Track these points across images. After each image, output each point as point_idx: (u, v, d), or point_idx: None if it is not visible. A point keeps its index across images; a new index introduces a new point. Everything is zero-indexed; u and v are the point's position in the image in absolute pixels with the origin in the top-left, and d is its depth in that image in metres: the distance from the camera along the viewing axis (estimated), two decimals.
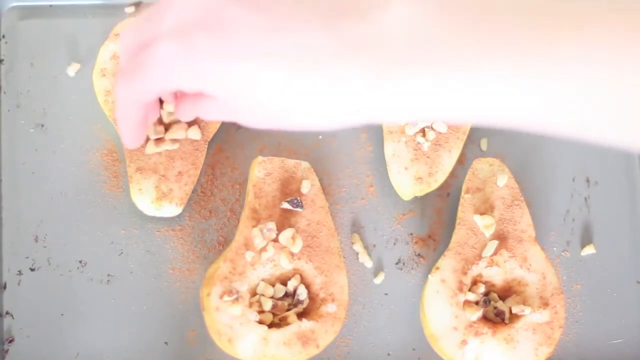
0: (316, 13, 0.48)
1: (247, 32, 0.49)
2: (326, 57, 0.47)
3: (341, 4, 0.49)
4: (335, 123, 0.51)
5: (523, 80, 0.46)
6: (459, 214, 0.72)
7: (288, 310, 0.69)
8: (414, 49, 0.46)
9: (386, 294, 0.73)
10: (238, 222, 0.71)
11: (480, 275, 0.70)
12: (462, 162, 0.76)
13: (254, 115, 0.52)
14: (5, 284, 0.72)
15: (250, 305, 0.67)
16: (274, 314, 0.68)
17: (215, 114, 0.55)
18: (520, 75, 0.46)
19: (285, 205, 0.70)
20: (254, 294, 0.68)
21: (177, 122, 0.72)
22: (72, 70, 0.76)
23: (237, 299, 0.66)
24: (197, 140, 0.72)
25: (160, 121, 0.72)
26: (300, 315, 0.68)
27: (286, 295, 0.69)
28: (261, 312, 0.67)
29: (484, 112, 0.48)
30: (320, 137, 0.76)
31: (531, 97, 0.46)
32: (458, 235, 0.71)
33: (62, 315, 0.71)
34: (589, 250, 0.75)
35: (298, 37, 0.48)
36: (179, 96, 0.60)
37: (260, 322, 0.67)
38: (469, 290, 0.70)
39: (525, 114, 0.47)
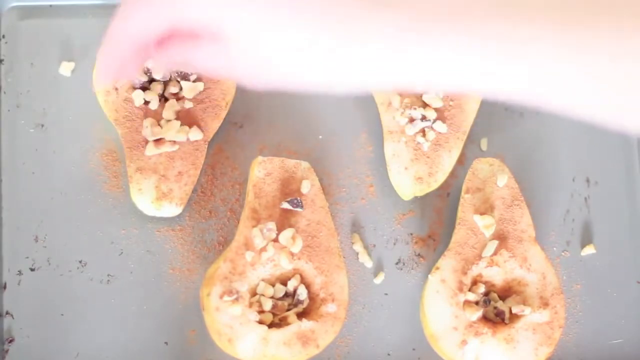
0: None
1: None
2: (350, 13, 0.46)
3: None
4: (346, 86, 0.49)
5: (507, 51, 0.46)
6: (459, 214, 0.72)
7: (288, 310, 0.69)
8: (436, 13, 0.46)
9: (386, 294, 0.73)
10: (238, 222, 0.71)
11: (480, 275, 0.70)
12: (462, 162, 0.76)
13: (260, 70, 0.49)
14: (5, 284, 0.72)
15: (250, 305, 0.67)
16: (274, 314, 0.68)
17: (210, 62, 0.51)
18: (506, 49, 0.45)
19: (285, 205, 0.70)
20: (254, 294, 0.68)
21: (176, 123, 0.72)
22: (71, 70, 0.76)
23: (237, 299, 0.66)
24: (197, 140, 0.72)
25: (158, 123, 0.72)
26: (300, 315, 0.68)
27: (286, 295, 0.69)
28: (261, 312, 0.67)
29: (488, 82, 0.47)
30: (321, 137, 0.76)
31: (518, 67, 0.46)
32: (458, 235, 0.71)
33: (62, 315, 0.71)
34: (589, 250, 0.75)
35: None
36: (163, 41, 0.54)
37: (260, 322, 0.67)
38: (469, 290, 0.70)
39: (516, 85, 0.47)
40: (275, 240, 0.68)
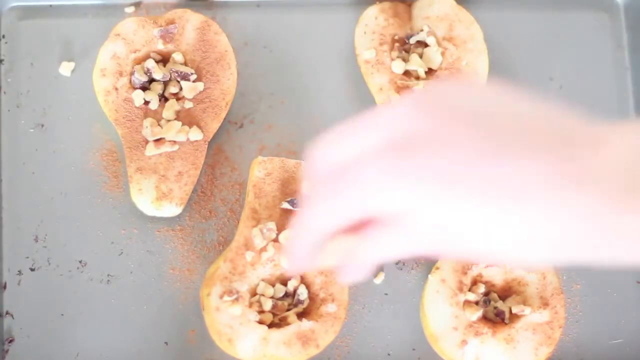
0: (541, 143, 0.45)
1: (472, 156, 0.44)
2: (552, 186, 0.44)
3: (565, 134, 0.45)
4: (539, 260, 0.47)
5: None
6: None
7: (288, 310, 0.69)
8: None
9: (386, 294, 0.73)
10: (238, 222, 0.71)
11: (480, 275, 0.70)
12: None
13: (459, 246, 0.47)
14: (5, 284, 0.72)
15: (250, 305, 0.67)
16: (274, 314, 0.68)
17: (400, 247, 0.48)
18: None
19: (285, 205, 0.70)
20: (254, 294, 0.68)
21: (176, 123, 0.72)
22: (71, 70, 0.76)
23: (237, 299, 0.66)
24: (197, 141, 0.72)
25: (158, 123, 0.72)
26: (300, 315, 0.68)
27: (286, 295, 0.69)
28: (261, 312, 0.67)
29: None
30: None
31: None
32: None
33: (62, 315, 0.71)
34: None
35: (523, 165, 0.44)
36: (354, 241, 0.51)
37: (260, 322, 0.67)
38: (469, 290, 0.70)
39: None
40: (275, 240, 0.68)
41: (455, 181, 0.44)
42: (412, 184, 0.45)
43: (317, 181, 0.49)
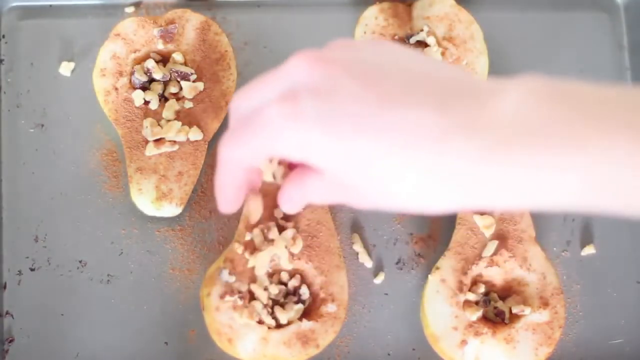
0: (430, 93, 0.48)
1: (357, 104, 0.48)
2: (436, 135, 0.47)
3: (455, 87, 0.48)
4: (444, 205, 0.50)
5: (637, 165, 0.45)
6: (459, 213, 0.72)
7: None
8: (526, 134, 0.46)
9: (386, 294, 0.73)
10: (238, 222, 0.71)
11: (480, 275, 0.71)
12: None
13: (362, 194, 0.51)
14: (5, 284, 0.72)
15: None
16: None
17: (323, 194, 0.53)
18: (636, 162, 0.45)
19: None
20: (253, 295, 0.68)
21: (176, 123, 0.72)
22: (70, 70, 0.76)
23: (240, 306, 0.66)
24: (197, 140, 0.72)
25: (158, 123, 0.72)
26: (300, 315, 0.68)
27: (286, 294, 0.69)
28: None
29: (595, 198, 0.47)
30: None
31: None
32: (458, 235, 0.71)
33: (62, 315, 0.71)
34: (589, 250, 0.75)
35: (409, 113, 0.47)
36: (282, 184, 0.58)
37: (260, 322, 0.67)
38: (469, 290, 0.70)
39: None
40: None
41: (343, 126, 0.48)
42: (303, 126, 0.49)
43: (231, 128, 0.54)
